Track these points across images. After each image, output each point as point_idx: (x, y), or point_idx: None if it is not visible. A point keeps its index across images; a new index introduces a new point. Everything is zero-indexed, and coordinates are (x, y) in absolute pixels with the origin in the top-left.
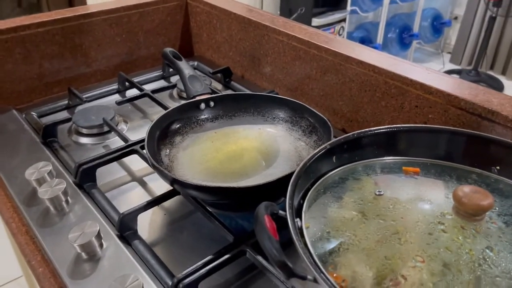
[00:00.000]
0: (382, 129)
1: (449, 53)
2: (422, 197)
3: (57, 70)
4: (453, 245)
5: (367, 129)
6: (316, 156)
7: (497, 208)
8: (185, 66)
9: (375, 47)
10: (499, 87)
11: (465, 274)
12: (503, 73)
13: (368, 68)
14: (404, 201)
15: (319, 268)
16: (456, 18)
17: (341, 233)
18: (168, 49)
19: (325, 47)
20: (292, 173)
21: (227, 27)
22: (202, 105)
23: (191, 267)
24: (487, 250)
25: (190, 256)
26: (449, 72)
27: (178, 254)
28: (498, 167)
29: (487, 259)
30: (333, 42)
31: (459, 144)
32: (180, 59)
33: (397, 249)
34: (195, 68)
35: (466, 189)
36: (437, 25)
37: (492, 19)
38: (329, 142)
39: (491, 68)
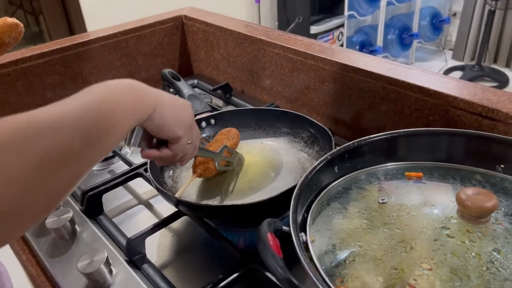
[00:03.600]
0: (382, 135)
1: (451, 50)
2: (426, 202)
3: (60, 98)
4: (460, 249)
5: (366, 137)
6: (317, 168)
7: (503, 209)
8: (184, 86)
9: (375, 50)
10: (504, 80)
11: (473, 279)
12: (507, 65)
13: (366, 75)
14: (409, 207)
15: (326, 283)
16: (455, 14)
17: (347, 244)
18: (166, 70)
19: (321, 56)
20: (294, 187)
21: (224, 43)
22: (203, 124)
23: None
24: (494, 253)
25: (200, 276)
26: (452, 68)
27: (188, 275)
28: (502, 166)
29: (495, 262)
30: (329, 51)
31: (460, 145)
32: (178, 80)
33: (404, 258)
34: (195, 87)
35: (469, 191)
36: (436, 23)
37: (492, 13)
38: (329, 153)
39: (495, 61)
